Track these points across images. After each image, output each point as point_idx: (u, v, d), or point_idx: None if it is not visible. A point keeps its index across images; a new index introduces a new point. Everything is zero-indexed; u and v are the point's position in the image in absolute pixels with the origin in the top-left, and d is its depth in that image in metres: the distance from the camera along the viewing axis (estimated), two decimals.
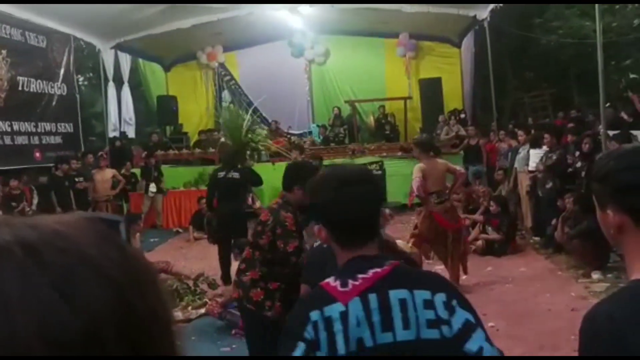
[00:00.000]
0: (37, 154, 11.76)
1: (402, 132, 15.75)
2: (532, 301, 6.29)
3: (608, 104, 9.50)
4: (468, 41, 15.76)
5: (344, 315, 1.53)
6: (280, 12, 13.75)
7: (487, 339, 1.56)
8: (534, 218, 9.47)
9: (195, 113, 17.46)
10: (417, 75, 16.67)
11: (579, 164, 8.17)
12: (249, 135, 11.63)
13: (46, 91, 12.26)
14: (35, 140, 11.77)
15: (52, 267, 0.46)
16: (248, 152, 11.16)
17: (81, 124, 13.64)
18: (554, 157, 8.65)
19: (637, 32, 15.95)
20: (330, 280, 1.62)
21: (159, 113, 16.38)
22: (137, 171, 12.76)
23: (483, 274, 7.56)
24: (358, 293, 1.56)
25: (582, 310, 1.34)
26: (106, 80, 14.14)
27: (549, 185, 8.66)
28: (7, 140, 10.97)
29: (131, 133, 15.27)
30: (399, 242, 5.55)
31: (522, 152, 9.82)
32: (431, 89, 15.80)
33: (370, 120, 16.08)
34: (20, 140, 11.34)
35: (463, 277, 7.00)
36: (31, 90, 11.75)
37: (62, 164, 10.91)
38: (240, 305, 4.05)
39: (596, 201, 1.35)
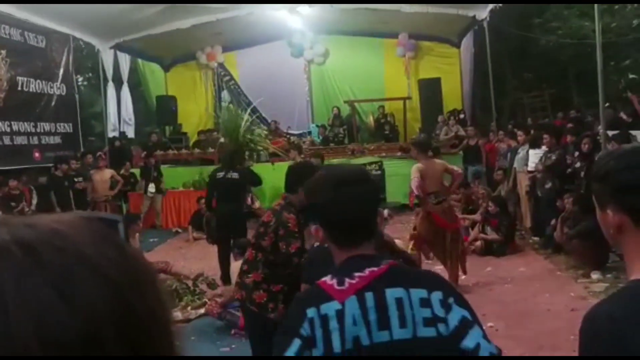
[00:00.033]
0: (37, 154, 11.75)
1: (401, 132, 15.75)
2: (532, 301, 6.29)
3: (607, 104, 9.49)
4: (467, 41, 15.76)
5: (340, 314, 1.53)
6: (279, 12, 13.75)
7: (484, 336, 1.56)
8: (533, 218, 9.47)
9: (195, 113, 17.46)
10: (417, 76, 16.67)
11: (578, 164, 8.17)
12: (248, 136, 11.62)
13: (45, 91, 12.25)
14: (35, 140, 11.76)
15: (50, 266, 0.46)
16: (247, 153, 11.15)
17: (80, 124, 13.63)
18: (553, 158, 8.66)
19: (637, 32, 15.96)
20: (327, 278, 1.62)
21: (158, 113, 16.37)
22: (136, 171, 12.76)
23: (482, 274, 7.56)
24: (354, 291, 1.56)
25: (582, 311, 1.34)
26: (105, 80, 14.13)
27: (548, 185, 8.66)
28: (7, 140, 10.96)
29: (130, 133, 15.26)
30: (398, 242, 5.56)
31: (521, 152, 9.82)
32: (430, 89, 15.79)
33: (370, 120, 16.08)
34: (20, 140, 11.33)
35: (462, 277, 7.00)
36: (30, 90, 11.74)
37: (62, 164, 10.90)
38: (243, 307, 4.04)
39: (596, 201, 1.35)
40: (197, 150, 14.06)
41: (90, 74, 20.96)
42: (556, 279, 7.17)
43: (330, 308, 1.54)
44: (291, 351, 1.50)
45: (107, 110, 14.22)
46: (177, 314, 6.18)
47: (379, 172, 12.45)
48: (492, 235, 8.74)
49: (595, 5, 8.02)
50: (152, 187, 12.12)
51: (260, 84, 16.62)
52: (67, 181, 10.80)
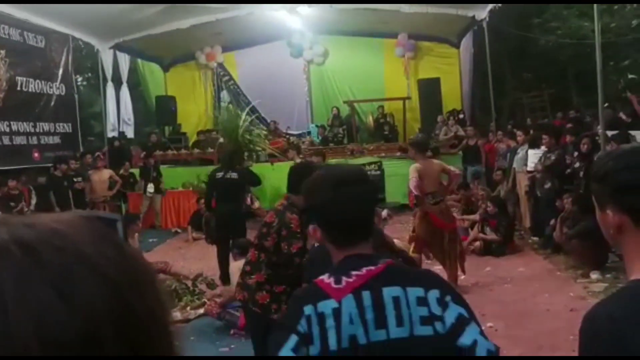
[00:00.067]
0: (36, 154, 11.74)
1: (400, 132, 15.75)
2: (531, 301, 6.29)
3: (606, 105, 9.50)
4: (467, 41, 15.77)
5: (337, 312, 1.53)
6: (279, 12, 13.74)
7: (481, 333, 1.57)
8: (533, 218, 9.47)
9: (194, 113, 17.46)
10: (416, 76, 16.67)
11: (577, 165, 8.18)
12: (247, 136, 11.63)
13: (45, 91, 12.25)
14: (34, 140, 11.76)
15: (49, 265, 0.46)
16: (246, 154, 11.15)
17: (80, 124, 13.62)
18: (553, 158, 8.66)
19: (636, 32, 15.96)
20: (325, 277, 1.62)
21: (157, 113, 16.37)
22: (135, 171, 12.75)
23: (482, 274, 7.57)
24: (351, 290, 1.56)
25: (581, 311, 1.34)
26: (105, 80, 14.12)
27: (548, 185, 8.67)
28: (6, 140, 10.95)
29: (130, 133, 15.25)
30: (397, 242, 5.56)
31: (520, 152, 9.83)
32: (430, 89, 15.80)
33: (370, 120, 16.08)
34: (19, 140, 11.32)
35: (462, 277, 7.00)
36: (30, 90, 11.74)
37: (61, 164, 10.89)
38: (245, 308, 4.03)
39: (595, 201, 1.35)
40: (196, 151, 14.05)
41: (89, 74, 20.96)
42: (555, 279, 7.17)
43: (327, 306, 1.54)
44: (288, 346, 1.50)
45: (107, 110, 14.20)
46: (177, 314, 6.17)
47: (378, 172, 12.46)
48: (491, 235, 8.74)
49: (595, 6, 8.03)
50: (151, 187, 12.11)
51: (259, 84, 16.63)
52: (67, 181, 10.79)
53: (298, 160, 10.66)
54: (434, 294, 1.58)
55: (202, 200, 9.30)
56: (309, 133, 16.33)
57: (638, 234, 1.25)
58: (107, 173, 11.79)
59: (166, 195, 12.56)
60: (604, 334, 1.17)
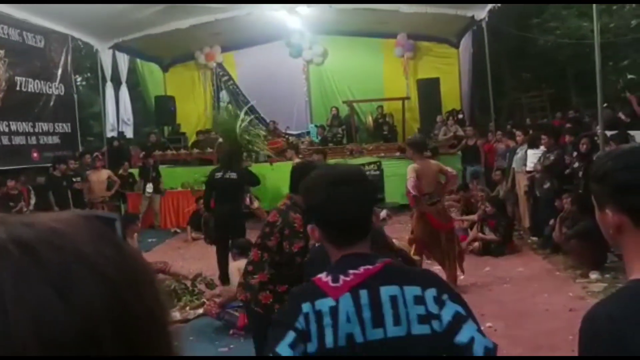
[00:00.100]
0: (35, 154, 11.74)
1: (400, 132, 15.75)
2: (530, 301, 6.29)
3: (605, 105, 9.51)
4: (466, 41, 15.76)
5: (334, 310, 1.54)
6: (278, 12, 13.73)
7: (479, 330, 1.57)
8: (532, 218, 9.48)
9: (193, 113, 17.45)
10: (415, 76, 16.67)
11: (576, 165, 8.18)
12: (245, 136, 11.61)
13: (44, 91, 12.24)
14: (33, 140, 11.75)
15: (48, 265, 0.46)
16: (245, 154, 11.14)
17: (79, 124, 13.62)
18: (552, 158, 8.66)
19: (635, 32, 15.96)
20: (322, 275, 1.63)
21: (156, 113, 16.37)
22: (135, 171, 12.74)
23: (481, 274, 7.57)
24: (349, 289, 1.57)
25: (580, 311, 1.35)
26: (104, 80, 14.11)
27: (547, 185, 8.67)
28: (5, 140, 10.95)
29: (129, 133, 15.23)
30: (396, 242, 5.56)
31: (519, 152, 9.83)
32: (429, 89, 15.81)
33: (369, 120, 16.08)
34: (18, 140, 11.32)
35: (461, 277, 7.00)
36: (29, 90, 11.73)
37: (60, 164, 10.89)
38: (247, 308, 4.01)
39: (595, 201, 1.35)
40: (195, 151, 14.05)
41: (88, 74, 20.94)
42: (554, 279, 7.17)
43: (324, 304, 1.55)
44: (285, 342, 1.51)
45: (106, 110, 14.20)
46: (176, 314, 6.17)
47: (377, 172, 12.46)
48: (490, 235, 8.75)
49: (594, 6, 8.03)
50: (149, 187, 12.11)
51: (259, 84, 16.63)
52: (66, 181, 10.78)
53: (296, 160, 10.65)
54: (431, 293, 1.58)
55: (201, 201, 9.29)
56: (308, 133, 16.34)
57: (637, 233, 1.25)
58: (105, 173, 11.76)
59: (165, 195, 12.55)
60: (604, 334, 1.17)
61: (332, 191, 1.65)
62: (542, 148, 9.00)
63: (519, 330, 5.36)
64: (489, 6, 12.20)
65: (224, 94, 17.44)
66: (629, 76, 17.54)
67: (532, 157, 9.26)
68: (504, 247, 8.60)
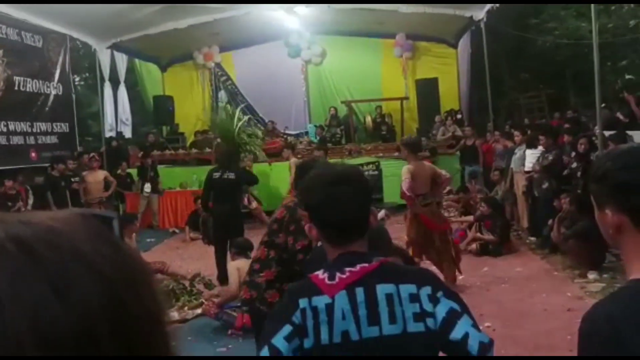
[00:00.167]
0: (33, 154, 11.72)
1: (398, 132, 15.75)
2: (528, 301, 6.29)
3: (603, 105, 9.52)
4: (464, 42, 15.78)
5: (330, 308, 1.55)
6: (276, 12, 13.73)
7: (474, 325, 1.57)
8: (530, 218, 9.48)
9: (192, 113, 17.44)
10: (414, 76, 16.68)
11: (574, 165, 8.19)
12: (243, 136, 11.62)
13: (42, 91, 12.23)
14: (31, 140, 11.74)
15: (45, 263, 0.46)
16: (243, 154, 11.15)
17: (77, 124, 13.61)
18: (550, 158, 8.67)
19: (633, 32, 15.98)
20: (319, 272, 1.64)
21: (155, 113, 16.36)
22: (133, 171, 12.73)
23: (479, 274, 7.57)
24: (345, 286, 1.58)
25: (578, 311, 1.35)
26: (102, 80, 14.10)
27: (545, 185, 8.67)
28: (3, 140, 10.94)
29: (128, 133, 15.23)
30: (395, 242, 5.55)
31: (518, 152, 9.83)
32: (428, 90, 15.81)
33: (368, 120, 16.09)
34: (16, 140, 11.30)
35: (460, 277, 7.01)
36: (27, 90, 11.72)
37: (58, 164, 10.87)
38: (252, 307, 3.98)
39: (594, 201, 1.35)
40: (194, 151, 14.05)
41: (87, 74, 20.93)
42: (553, 279, 7.18)
43: (320, 301, 1.56)
44: (281, 335, 1.52)
45: (104, 110, 14.19)
46: (174, 314, 6.17)
47: (376, 172, 12.47)
48: (488, 236, 8.75)
49: (592, 6, 8.04)
50: (147, 187, 12.10)
51: (257, 84, 16.65)
52: (64, 181, 10.76)
53: (293, 160, 10.65)
54: (425, 291, 1.59)
55: (200, 201, 9.29)
56: (306, 133, 16.33)
57: (637, 233, 1.25)
58: (102, 174, 11.66)
59: (164, 195, 12.54)
60: (603, 334, 1.17)
61: (330, 191, 1.65)
62: (541, 148, 9.01)
63: (517, 330, 5.36)
64: (488, 6, 12.21)
65: (222, 94, 17.44)
66: (627, 76, 17.57)
67: (531, 157, 9.27)
68: (501, 247, 8.61)
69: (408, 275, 1.65)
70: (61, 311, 0.44)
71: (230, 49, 17.34)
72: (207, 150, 13.27)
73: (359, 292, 1.57)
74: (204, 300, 6.55)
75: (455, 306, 1.58)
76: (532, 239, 9.21)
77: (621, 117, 10.31)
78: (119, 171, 12.45)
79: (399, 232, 7.88)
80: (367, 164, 12.57)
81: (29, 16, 11.26)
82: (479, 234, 8.86)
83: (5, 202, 9.49)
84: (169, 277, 7.07)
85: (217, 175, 7.67)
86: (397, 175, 11.61)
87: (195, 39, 15.64)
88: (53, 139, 12.43)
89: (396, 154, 13.06)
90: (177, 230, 11.96)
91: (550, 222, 8.10)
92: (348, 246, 1.65)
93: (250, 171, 9.73)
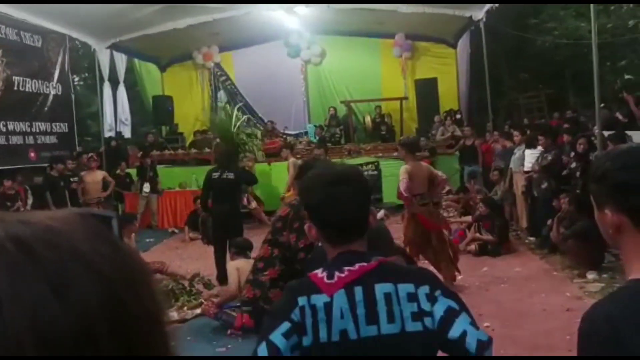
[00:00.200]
0: (32, 154, 11.72)
1: (398, 132, 15.76)
2: (527, 301, 6.29)
3: (602, 105, 9.52)
4: (464, 42, 15.78)
5: (328, 307, 1.55)
6: (276, 12, 13.74)
7: (472, 323, 1.58)
8: (530, 218, 9.48)
9: (191, 113, 17.44)
10: (413, 76, 16.69)
11: (574, 165, 8.19)
12: (242, 136, 11.63)
13: (41, 91, 12.23)
14: (30, 140, 11.73)
15: (44, 262, 0.46)
16: (242, 154, 11.15)
17: (76, 124, 13.61)
18: (550, 158, 8.67)
19: (632, 33, 15.98)
20: (318, 271, 1.64)
21: (154, 113, 16.36)
22: (132, 171, 12.73)
23: (478, 274, 7.57)
24: (343, 285, 1.58)
25: (577, 311, 1.35)
26: (102, 80, 14.10)
27: (545, 185, 8.68)
28: (2, 140, 10.94)
29: (127, 133, 15.23)
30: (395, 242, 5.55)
31: (517, 152, 9.84)
32: (427, 90, 15.82)
33: (367, 120, 16.09)
34: (15, 140, 11.30)
35: (459, 277, 7.01)
36: (26, 89, 11.72)
37: (58, 164, 10.87)
38: (255, 306, 3.96)
39: (594, 201, 1.35)
40: (193, 151, 14.04)
41: (86, 74, 20.92)
42: (552, 279, 7.18)
43: (319, 300, 1.56)
44: (279, 331, 1.52)
45: (104, 110, 14.19)
46: (173, 314, 6.16)
47: (375, 172, 12.47)
48: (486, 236, 8.75)
49: (591, 6, 8.04)
50: (146, 187, 12.09)
51: (257, 84, 16.65)
52: (63, 181, 10.76)
53: (291, 160, 10.66)
54: (423, 290, 1.59)
55: (199, 201, 9.29)
56: (306, 133, 16.33)
57: (636, 233, 1.25)
58: (100, 174, 11.65)
59: (163, 195, 12.54)
60: (602, 333, 1.17)
61: (329, 191, 1.65)
62: (540, 148, 9.01)
63: (516, 330, 5.36)
64: (487, 6, 12.22)
65: (221, 94, 17.43)
66: (627, 76, 17.58)
67: (530, 157, 9.28)
68: (500, 247, 8.60)
69: (406, 275, 1.65)
70: (60, 311, 0.44)
71: (229, 49, 17.34)
72: (207, 150, 13.27)
73: (358, 291, 1.57)
74: (203, 300, 6.54)
75: (454, 304, 1.59)
76: (532, 239, 9.21)
77: (620, 117, 10.31)
78: (118, 171, 12.44)
79: (398, 232, 7.87)
80: (367, 164, 12.57)
81: (29, 16, 11.26)
82: (477, 235, 8.86)
83: (4, 202, 9.49)
84: (168, 277, 7.07)
85: (216, 175, 7.66)
86: (396, 176, 11.58)
87: (194, 39, 15.65)
88: (52, 139, 12.43)
89: (395, 154, 13.07)
90: (176, 230, 11.96)
91: (549, 222, 8.10)
92: (347, 246, 1.66)
93: (250, 171, 9.73)
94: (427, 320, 1.56)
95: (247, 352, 1.58)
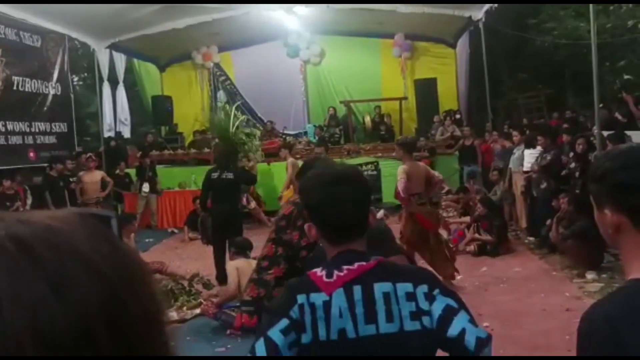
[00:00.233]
0: (31, 154, 11.72)
1: (397, 132, 15.75)
2: (527, 301, 6.29)
3: (601, 105, 9.52)
4: (463, 42, 15.79)
5: (327, 305, 1.55)
6: (275, 12, 13.74)
7: (471, 321, 1.58)
8: (529, 218, 9.48)
9: (191, 113, 17.41)
10: (413, 76, 16.69)
11: (573, 165, 8.19)
12: (241, 136, 11.62)
13: (41, 91, 12.23)
14: (30, 140, 11.73)
15: (44, 262, 0.46)
16: (241, 154, 11.14)
17: (76, 124, 13.61)
18: (549, 158, 8.67)
19: (632, 33, 15.99)
20: (318, 270, 1.65)
21: (154, 113, 16.36)
22: (131, 171, 12.72)
23: (478, 274, 7.57)
24: (342, 284, 1.58)
25: (577, 311, 1.35)
26: (101, 80, 14.09)
27: (544, 185, 8.68)
28: (1, 140, 10.94)
29: (127, 133, 15.22)
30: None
31: (516, 152, 9.84)
32: (426, 90, 15.83)
33: (367, 120, 16.10)
34: (14, 140, 11.30)
35: (458, 277, 7.01)
36: (26, 89, 11.71)
37: (57, 164, 10.87)
38: (259, 305, 3.95)
39: (594, 201, 1.35)
40: (192, 151, 14.04)
41: (85, 74, 20.92)
42: (551, 279, 7.18)
43: (318, 298, 1.56)
44: (277, 328, 1.52)
45: (103, 110, 14.19)
46: (173, 314, 6.16)
47: (374, 172, 12.46)
48: (485, 236, 8.75)
49: (591, 6, 8.04)
50: (146, 187, 12.09)
51: (256, 84, 16.65)
52: (62, 181, 10.76)
53: (290, 160, 10.66)
54: (422, 289, 1.60)
55: (198, 201, 9.29)
56: (305, 133, 16.33)
57: (636, 233, 1.25)
58: (99, 174, 11.62)
59: (162, 195, 12.53)
60: (602, 333, 1.17)
61: (329, 190, 1.65)
62: (539, 148, 9.02)
63: (516, 330, 5.37)
64: (486, 6, 12.22)
65: (221, 94, 17.43)
66: (626, 76, 17.56)
67: (529, 157, 9.28)
68: (499, 247, 8.61)
69: (405, 274, 1.66)
70: (60, 310, 0.44)
71: (229, 49, 17.34)
72: (206, 150, 13.27)
73: (357, 290, 1.57)
74: (202, 300, 6.54)
75: (452, 303, 1.59)
76: (531, 239, 9.22)
77: (619, 117, 10.32)
78: (117, 171, 12.43)
79: (397, 233, 7.88)
80: (366, 164, 12.57)
81: (28, 16, 11.26)
82: (476, 235, 8.86)
83: (3, 202, 9.49)
84: (167, 277, 7.07)
85: (215, 175, 7.66)
86: (395, 176, 11.68)
87: (194, 39, 15.64)
88: (51, 139, 12.43)
89: (395, 154, 13.07)
90: (175, 231, 11.96)
91: (548, 222, 8.10)
92: (347, 245, 1.66)
93: (249, 171, 9.72)
94: (426, 320, 1.56)
95: (246, 352, 1.57)
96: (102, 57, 13.89)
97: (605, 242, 1.39)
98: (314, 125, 16.33)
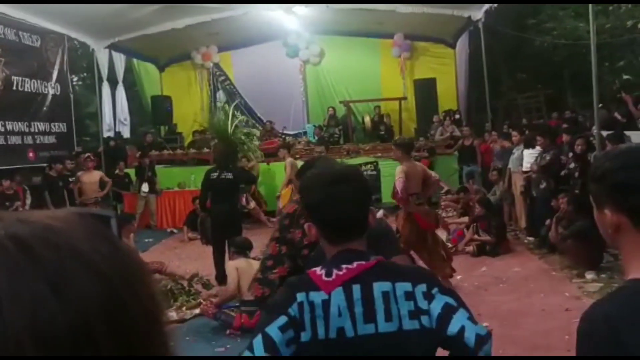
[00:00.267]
0: (31, 154, 11.71)
1: (396, 132, 15.74)
2: (526, 301, 6.29)
3: (601, 105, 9.53)
4: (463, 42, 15.79)
5: (326, 304, 1.56)
6: (275, 12, 13.74)
7: (470, 318, 1.58)
8: (528, 218, 9.48)
9: (190, 113, 17.40)
10: (412, 76, 16.69)
11: (572, 165, 8.19)
12: (240, 136, 11.62)
13: (40, 91, 12.22)
14: (29, 140, 11.73)
15: (44, 261, 0.46)
16: (240, 154, 11.14)
17: (75, 124, 13.60)
18: (548, 158, 8.67)
19: (631, 33, 16.00)
20: (317, 269, 1.65)
21: (153, 113, 16.36)
22: (131, 171, 12.72)
23: (477, 274, 7.58)
24: (341, 283, 1.58)
25: (576, 311, 1.35)
26: (100, 80, 14.09)
27: (543, 185, 8.68)
28: (1, 140, 10.94)
29: (126, 133, 15.23)
30: None
31: (516, 152, 9.85)
32: (426, 90, 15.83)
33: (367, 120, 16.10)
34: (14, 140, 11.30)
35: (458, 277, 7.02)
36: (25, 89, 11.71)
37: (56, 164, 10.87)
38: (263, 305, 3.95)
39: (593, 201, 1.35)
40: (192, 151, 14.04)
41: (85, 74, 20.92)
42: (551, 279, 7.18)
43: (317, 297, 1.57)
44: (276, 325, 1.52)
45: (102, 110, 14.19)
46: (172, 314, 6.16)
47: (374, 172, 12.46)
48: (484, 236, 8.75)
49: (590, 6, 8.05)
50: (145, 187, 12.08)
51: (255, 84, 16.65)
52: (62, 181, 10.76)
53: (289, 160, 10.67)
54: (420, 288, 1.60)
55: (198, 201, 9.29)
56: (305, 133, 16.33)
57: (636, 233, 1.25)
58: (97, 175, 11.61)
59: (162, 195, 12.53)
60: (601, 333, 1.17)
61: (329, 190, 1.66)
62: (538, 148, 9.02)
63: (515, 330, 5.37)
64: (486, 6, 12.22)
65: (220, 94, 17.44)
66: (625, 77, 17.59)
67: (529, 157, 9.28)
68: (498, 247, 8.61)
69: (404, 274, 1.66)
70: (59, 310, 0.44)
71: (228, 49, 17.34)
72: (205, 150, 13.26)
73: (356, 289, 1.57)
74: (202, 300, 6.55)
75: (451, 301, 1.59)
76: (530, 239, 9.22)
77: (619, 117, 10.33)
78: (116, 171, 12.43)
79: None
80: (366, 164, 12.56)
81: (27, 16, 11.25)
82: (475, 235, 8.86)
83: (3, 202, 9.49)
84: (167, 277, 7.07)
85: (214, 175, 7.66)
86: (394, 176, 11.68)
87: (193, 39, 15.64)
88: (51, 139, 12.42)
89: (392, 154, 13.07)
90: (175, 231, 11.95)
91: (548, 222, 8.10)
92: (347, 245, 1.66)
93: (248, 171, 9.73)
94: (424, 319, 1.56)
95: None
96: (102, 57, 13.89)
97: (604, 242, 1.40)
98: (314, 125, 16.33)
